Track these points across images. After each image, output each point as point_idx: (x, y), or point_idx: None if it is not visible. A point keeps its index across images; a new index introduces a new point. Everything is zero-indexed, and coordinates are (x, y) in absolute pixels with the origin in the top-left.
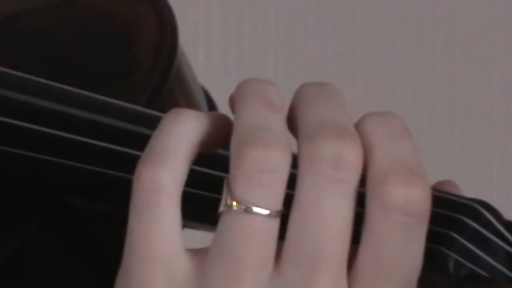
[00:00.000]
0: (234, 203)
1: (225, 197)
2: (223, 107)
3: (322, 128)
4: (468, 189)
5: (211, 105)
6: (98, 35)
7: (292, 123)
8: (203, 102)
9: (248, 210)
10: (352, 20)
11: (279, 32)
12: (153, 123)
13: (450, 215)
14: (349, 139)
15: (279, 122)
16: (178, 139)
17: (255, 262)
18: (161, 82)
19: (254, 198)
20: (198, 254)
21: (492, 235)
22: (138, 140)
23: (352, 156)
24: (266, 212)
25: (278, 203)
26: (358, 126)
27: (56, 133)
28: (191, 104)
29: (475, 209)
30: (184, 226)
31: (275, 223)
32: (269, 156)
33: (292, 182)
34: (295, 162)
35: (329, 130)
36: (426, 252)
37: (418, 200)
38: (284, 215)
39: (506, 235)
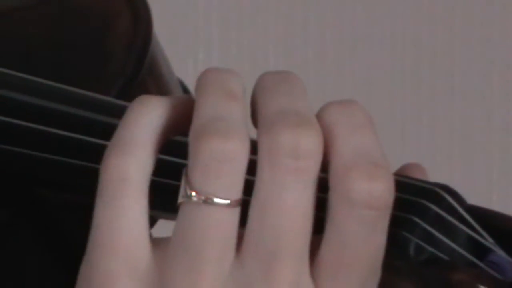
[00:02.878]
0: (193, 194)
1: (183, 188)
2: None
3: (281, 117)
4: (468, 189)
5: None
6: (72, 29)
7: (253, 113)
8: (179, 94)
9: (207, 201)
10: (352, 20)
11: (279, 32)
12: (120, 112)
13: (412, 199)
14: (308, 127)
15: (237, 111)
16: (145, 128)
17: (215, 253)
18: (133, 74)
19: (213, 189)
20: (161, 245)
21: (453, 219)
22: (105, 130)
23: (311, 144)
24: (226, 202)
25: (237, 193)
26: (319, 116)
27: (22, 124)
28: (164, 95)
29: (437, 193)
30: (157, 216)
31: (235, 213)
32: (227, 146)
33: (253, 168)
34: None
35: (288, 119)
36: (387, 236)
37: (382, 193)
38: (246, 201)
39: (468, 219)
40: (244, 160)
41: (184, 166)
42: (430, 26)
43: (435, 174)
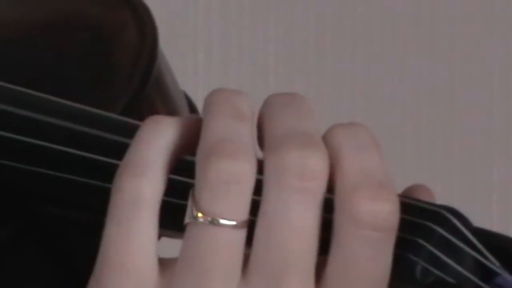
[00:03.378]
0: (200, 215)
1: (190, 209)
2: None
3: (287, 138)
4: (468, 189)
5: (193, 111)
6: (78, 42)
7: (260, 134)
8: (184, 108)
9: (214, 222)
10: (352, 20)
11: (279, 32)
12: (128, 131)
13: (418, 221)
14: (314, 148)
15: (245, 132)
16: (157, 149)
17: (222, 273)
18: (139, 88)
19: (220, 210)
20: (168, 266)
21: (459, 242)
22: (112, 149)
23: (317, 165)
24: (233, 223)
25: (244, 214)
26: (325, 138)
27: (29, 141)
28: (170, 110)
29: (443, 215)
30: (161, 235)
31: (242, 234)
32: (235, 168)
33: (258, 188)
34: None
35: (294, 140)
36: (393, 258)
37: (387, 215)
38: (252, 221)
39: (474, 241)
40: (251, 181)
41: (189, 185)
42: (430, 26)
43: (435, 174)
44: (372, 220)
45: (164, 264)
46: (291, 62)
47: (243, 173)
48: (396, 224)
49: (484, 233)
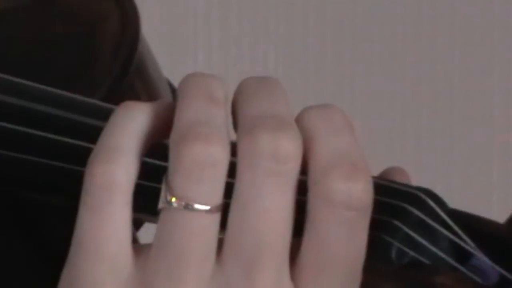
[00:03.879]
0: (174, 199)
1: (164, 194)
2: None
3: (260, 121)
4: (468, 189)
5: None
6: (60, 30)
7: (234, 118)
8: (168, 96)
9: (188, 207)
10: (352, 20)
11: (279, 32)
12: (106, 115)
13: (394, 203)
14: (287, 131)
15: (219, 115)
16: (129, 134)
17: (196, 258)
18: (120, 75)
19: (193, 195)
20: (143, 252)
21: (435, 223)
22: (89, 132)
23: (290, 148)
24: (207, 208)
25: (218, 198)
26: (298, 120)
27: (6, 126)
28: (153, 98)
29: (419, 197)
30: (143, 220)
31: (216, 218)
32: (208, 151)
33: (233, 171)
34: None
35: (267, 123)
36: (369, 240)
37: (360, 194)
38: (227, 204)
39: (450, 223)
40: (225, 165)
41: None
42: (430, 26)
43: (435, 174)
44: (345, 198)
45: (139, 249)
46: (291, 62)
47: (216, 156)
48: (370, 203)
49: (460, 214)
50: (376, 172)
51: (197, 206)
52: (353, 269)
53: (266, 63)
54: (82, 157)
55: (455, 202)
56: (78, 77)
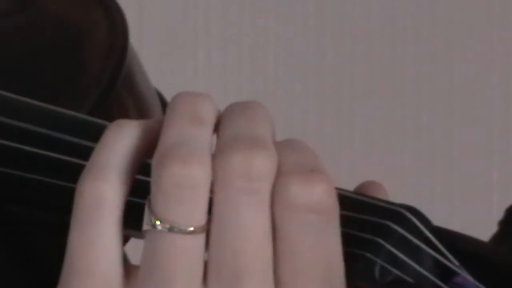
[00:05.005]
0: (158, 222)
1: (148, 216)
2: (223, 107)
3: (234, 142)
4: (468, 189)
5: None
6: (48, 41)
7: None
8: (157, 107)
9: (171, 229)
10: (352, 20)
11: (279, 32)
12: (94, 132)
13: (377, 221)
14: (260, 150)
15: (202, 136)
16: (120, 153)
17: (182, 279)
18: (108, 87)
19: (176, 217)
20: (133, 271)
21: (419, 242)
22: (77, 149)
23: (263, 166)
24: (190, 229)
25: (201, 219)
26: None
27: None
28: (141, 109)
29: (402, 215)
30: (130, 235)
31: (200, 238)
32: (187, 172)
33: None
34: None
35: (241, 143)
36: (352, 258)
37: (321, 196)
38: None
39: (433, 240)
40: (205, 185)
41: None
42: (430, 26)
43: (434, 175)
44: (306, 201)
45: (129, 269)
46: (291, 62)
47: (196, 177)
48: (334, 205)
49: (444, 232)
50: (376, 174)
51: (179, 228)
52: (329, 273)
53: (266, 63)
54: (67, 172)
55: (455, 202)
56: (66, 88)
